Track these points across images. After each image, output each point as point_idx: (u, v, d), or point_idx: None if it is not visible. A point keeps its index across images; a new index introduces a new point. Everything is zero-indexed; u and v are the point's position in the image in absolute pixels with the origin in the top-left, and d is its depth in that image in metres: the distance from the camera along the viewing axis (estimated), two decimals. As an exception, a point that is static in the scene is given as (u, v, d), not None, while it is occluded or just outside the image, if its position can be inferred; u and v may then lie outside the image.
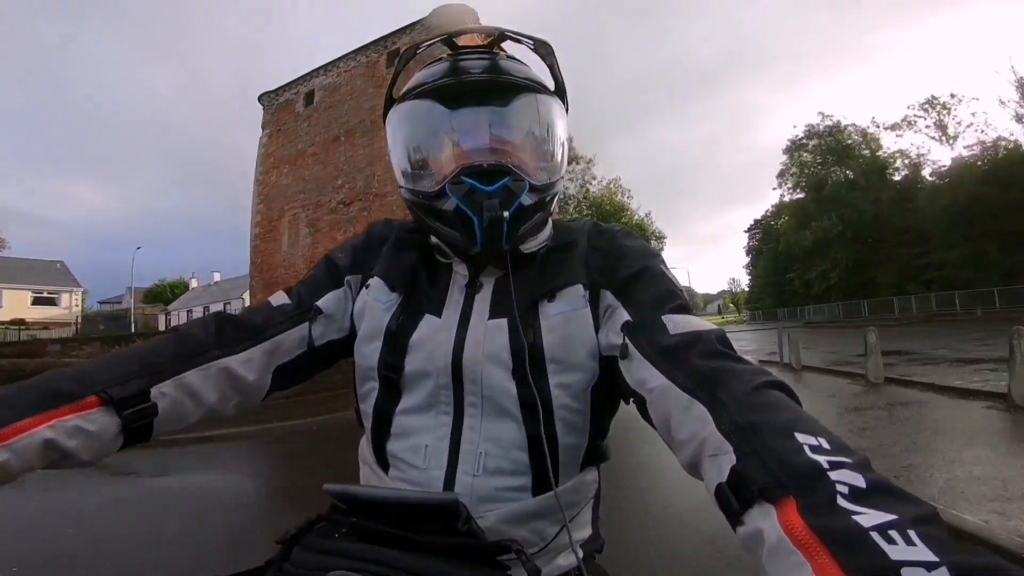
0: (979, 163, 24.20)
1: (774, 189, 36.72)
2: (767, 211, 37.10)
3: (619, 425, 0.70)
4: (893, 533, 0.29)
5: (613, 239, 0.68)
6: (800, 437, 0.37)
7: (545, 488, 0.59)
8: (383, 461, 0.64)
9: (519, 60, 0.68)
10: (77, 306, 33.67)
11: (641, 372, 0.53)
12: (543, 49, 0.66)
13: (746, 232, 39.99)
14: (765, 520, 0.34)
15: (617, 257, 0.65)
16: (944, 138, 27.78)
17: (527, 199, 0.61)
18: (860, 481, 0.32)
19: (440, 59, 0.66)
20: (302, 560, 0.49)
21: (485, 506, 0.58)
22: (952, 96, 28.47)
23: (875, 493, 0.32)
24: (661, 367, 0.51)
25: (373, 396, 0.64)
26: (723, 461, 0.40)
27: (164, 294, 45.26)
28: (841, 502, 0.31)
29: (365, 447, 0.68)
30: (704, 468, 0.43)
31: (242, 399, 0.63)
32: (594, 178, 33.68)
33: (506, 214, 0.58)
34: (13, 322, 27.61)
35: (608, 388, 0.63)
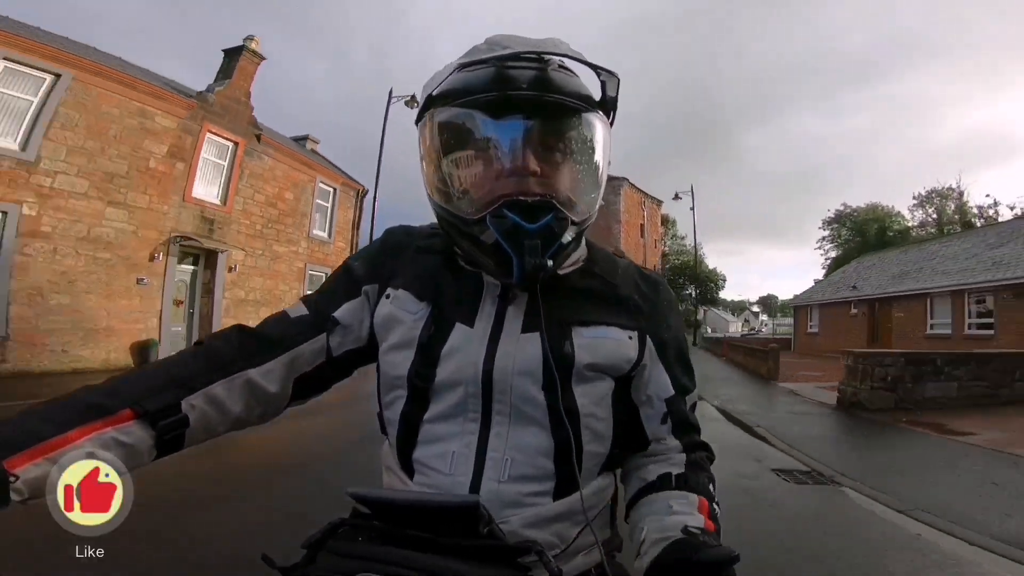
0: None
1: (815, 248, 46.91)
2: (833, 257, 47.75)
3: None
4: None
5: (660, 290, 0.73)
6: (711, 485, 0.66)
7: (566, 493, 0.61)
8: (408, 467, 0.64)
9: (569, 71, 0.63)
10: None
11: (664, 433, 0.69)
12: (606, 78, 0.61)
13: (822, 268, 51.85)
14: (691, 495, 0.63)
15: (663, 312, 0.72)
16: (940, 224, 33.57)
17: (568, 236, 0.60)
18: (717, 510, 0.63)
19: (486, 62, 0.60)
20: (328, 564, 0.50)
21: (509, 511, 0.59)
22: (950, 188, 34.18)
23: (717, 517, 0.62)
24: (677, 434, 0.69)
25: (400, 404, 0.65)
26: (679, 468, 0.67)
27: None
28: (713, 509, 0.63)
29: (389, 453, 0.68)
30: (660, 465, 0.68)
31: (265, 409, 0.65)
32: (683, 239, 48.89)
33: (550, 263, 0.58)
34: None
35: (623, 397, 0.67)
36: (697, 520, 0.59)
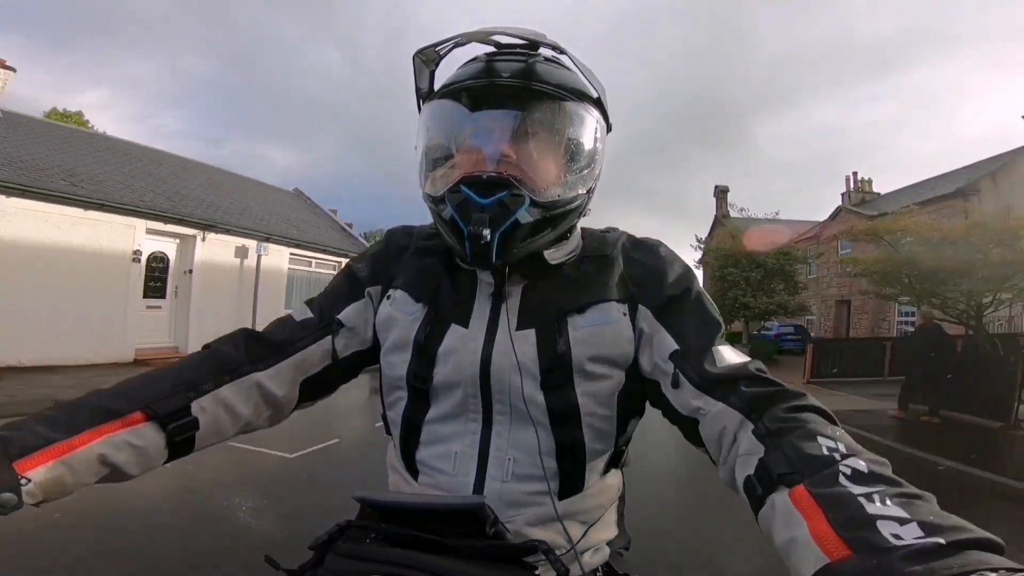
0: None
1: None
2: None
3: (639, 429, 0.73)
4: (875, 497, 0.36)
5: (652, 252, 0.69)
6: (821, 439, 0.44)
7: (571, 492, 0.60)
8: (412, 468, 0.65)
9: (559, 64, 0.63)
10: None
11: (695, 399, 0.56)
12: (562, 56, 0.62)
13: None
14: (779, 498, 0.41)
15: (658, 273, 0.66)
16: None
17: (526, 215, 0.58)
18: (863, 467, 0.39)
19: (476, 58, 0.63)
20: (335, 566, 0.51)
21: (513, 510, 0.59)
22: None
23: (873, 476, 0.38)
24: (715, 394, 0.55)
25: (402, 404, 0.65)
26: (753, 458, 0.47)
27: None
28: (841, 480, 0.38)
29: (393, 454, 0.69)
30: (738, 468, 0.49)
31: (273, 412, 0.66)
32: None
33: (486, 232, 0.56)
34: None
35: (632, 394, 0.64)
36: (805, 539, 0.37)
